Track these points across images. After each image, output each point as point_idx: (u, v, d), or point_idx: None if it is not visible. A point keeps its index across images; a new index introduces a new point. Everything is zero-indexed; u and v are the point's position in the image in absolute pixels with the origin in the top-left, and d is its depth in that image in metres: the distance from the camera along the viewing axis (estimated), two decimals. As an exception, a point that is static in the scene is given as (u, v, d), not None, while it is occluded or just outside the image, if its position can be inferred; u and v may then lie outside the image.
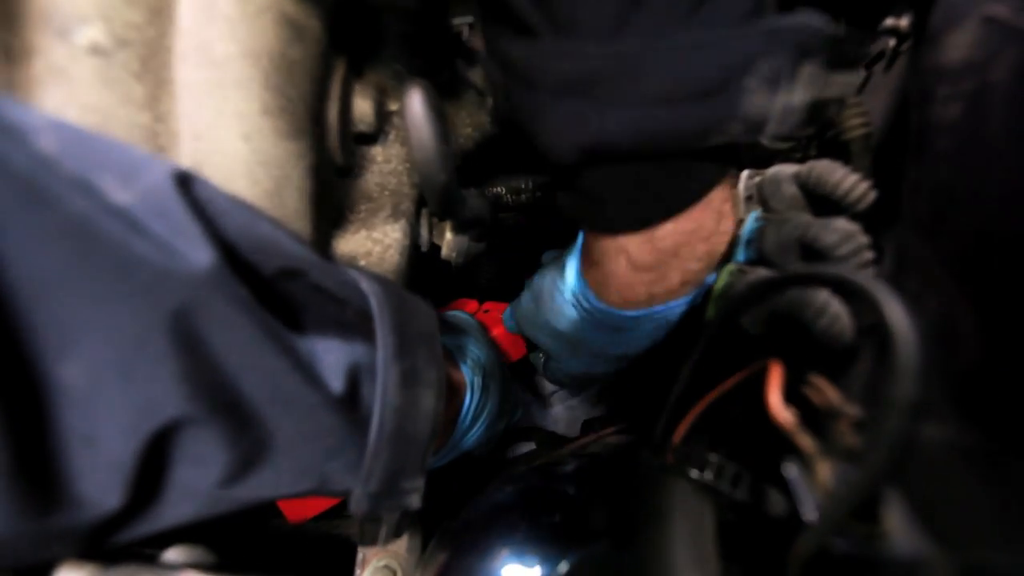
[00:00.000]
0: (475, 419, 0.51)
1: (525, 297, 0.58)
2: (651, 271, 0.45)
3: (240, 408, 0.30)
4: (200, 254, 0.27)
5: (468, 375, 0.51)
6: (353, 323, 0.36)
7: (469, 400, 0.50)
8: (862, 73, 0.36)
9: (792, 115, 0.34)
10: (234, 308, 0.28)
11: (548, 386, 0.79)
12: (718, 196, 0.42)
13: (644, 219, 0.42)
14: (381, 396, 0.35)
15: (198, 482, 0.31)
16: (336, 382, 0.33)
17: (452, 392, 0.48)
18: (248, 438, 0.31)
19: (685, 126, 0.34)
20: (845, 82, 0.35)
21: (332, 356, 0.34)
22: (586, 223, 0.46)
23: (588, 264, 0.49)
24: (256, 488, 0.32)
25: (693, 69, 0.32)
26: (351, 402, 0.34)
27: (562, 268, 0.53)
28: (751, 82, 0.32)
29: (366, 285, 0.37)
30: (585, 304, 0.50)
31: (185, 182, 0.29)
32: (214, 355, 0.29)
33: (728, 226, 0.45)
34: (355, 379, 0.35)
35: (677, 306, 0.48)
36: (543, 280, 0.55)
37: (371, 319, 0.36)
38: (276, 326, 0.31)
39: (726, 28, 0.32)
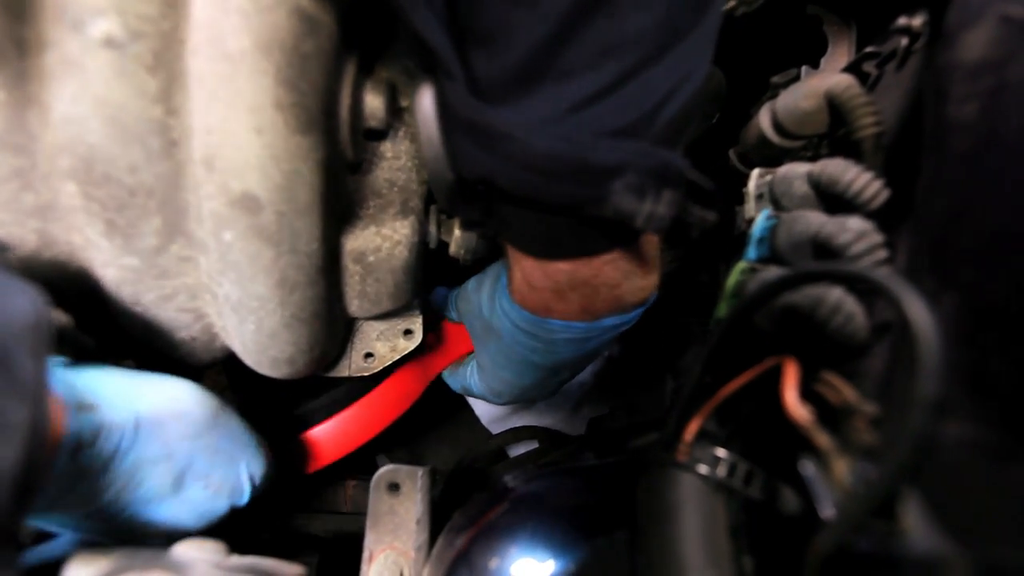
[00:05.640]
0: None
1: (472, 279, 0.62)
2: (545, 291, 0.47)
3: None
4: None
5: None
6: None
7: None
8: (715, 215, 0.42)
9: (657, 221, 0.37)
10: None
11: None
12: (626, 259, 0.45)
13: (529, 249, 0.45)
14: None
15: None
16: None
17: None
18: None
19: (554, 194, 0.37)
20: (701, 215, 0.40)
21: None
22: (492, 223, 0.48)
23: (506, 260, 0.52)
24: None
25: (561, 156, 0.35)
26: None
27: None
28: (617, 184, 0.36)
29: None
30: (503, 295, 0.53)
31: None
32: None
33: (644, 284, 0.48)
34: None
35: (581, 329, 0.50)
36: (493, 267, 0.59)
37: None
38: None
39: (598, 135, 0.35)
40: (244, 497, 0.49)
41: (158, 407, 0.43)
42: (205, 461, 0.45)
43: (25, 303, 0.33)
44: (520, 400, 0.64)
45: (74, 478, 0.37)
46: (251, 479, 0.49)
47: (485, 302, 0.57)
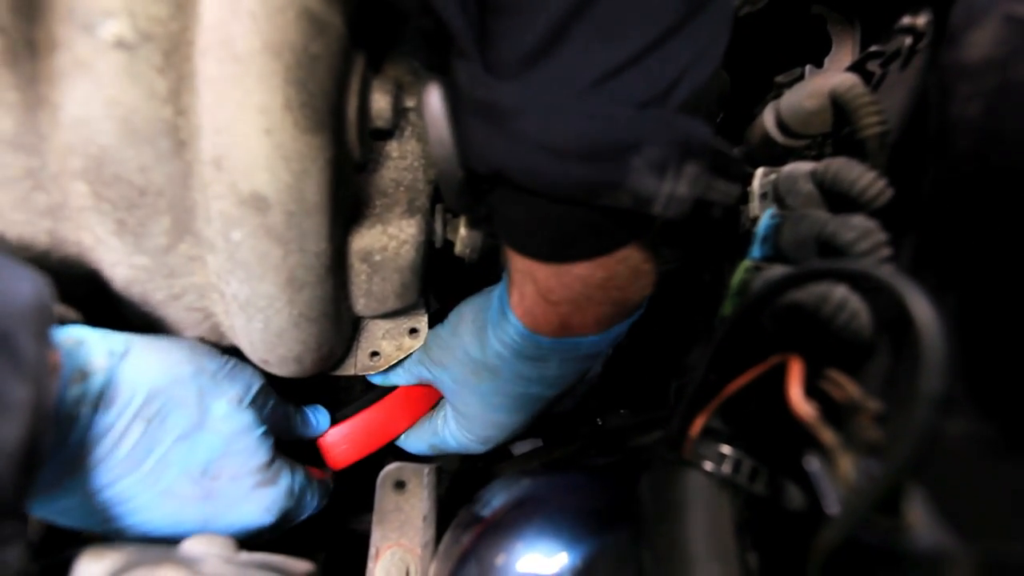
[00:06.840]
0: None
1: (441, 325, 0.58)
2: (562, 304, 0.46)
3: None
4: None
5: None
6: None
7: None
8: (739, 188, 0.41)
9: (677, 203, 0.36)
10: None
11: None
12: (635, 255, 0.44)
13: (548, 253, 0.44)
14: None
15: None
16: None
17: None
18: None
19: (570, 179, 0.36)
20: (725, 190, 0.39)
21: None
22: (500, 234, 0.47)
23: (509, 283, 0.50)
24: None
25: (582, 132, 0.34)
26: None
27: (489, 296, 0.53)
28: (637, 162, 0.35)
29: None
30: (504, 323, 0.50)
31: None
32: None
33: (645, 282, 0.47)
34: None
35: (591, 344, 0.49)
36: (466, 306, 0.56)
37: None
38: None
39: (622, 107, 0.34)
40: (265, 410, 0.50)
41: (140, 340, 0.43)
42: (210, 381, 0.45)
43: (27, 286, 0.33)
44: (507, 441, 0.60)
45: (88, 413, 0.37)
46: (257, 394, 0.49)
47: (471, 342, 0.53)
